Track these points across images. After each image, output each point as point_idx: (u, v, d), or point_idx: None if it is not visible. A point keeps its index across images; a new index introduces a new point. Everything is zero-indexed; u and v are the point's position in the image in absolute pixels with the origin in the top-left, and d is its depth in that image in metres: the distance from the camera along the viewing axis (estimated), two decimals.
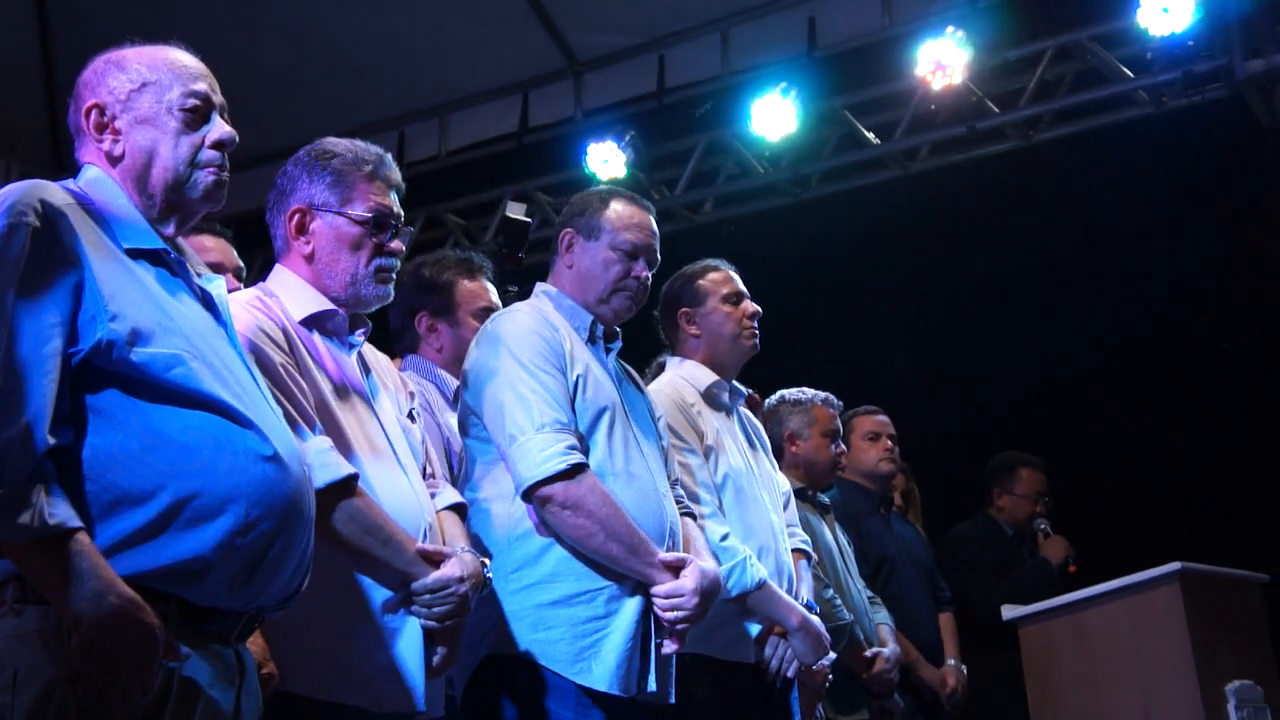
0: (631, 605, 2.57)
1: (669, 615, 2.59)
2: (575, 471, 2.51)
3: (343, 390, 2.30)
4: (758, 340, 3.34)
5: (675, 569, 2.61)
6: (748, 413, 3.50)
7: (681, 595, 2.59)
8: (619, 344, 2.85)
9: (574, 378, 2.63)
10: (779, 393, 4.23)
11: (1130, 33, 5.60)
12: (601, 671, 2.50)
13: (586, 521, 2.50)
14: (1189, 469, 5.80)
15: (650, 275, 2.84)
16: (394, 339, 3.23)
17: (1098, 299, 6.16)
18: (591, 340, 2.77)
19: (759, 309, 3.35)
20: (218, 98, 2.02)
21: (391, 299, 2.43)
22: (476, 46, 6.13)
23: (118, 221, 1.90)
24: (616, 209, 2.82)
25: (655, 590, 2.58)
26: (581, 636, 2.51)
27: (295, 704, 2.09)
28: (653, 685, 2.58)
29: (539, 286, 2.89)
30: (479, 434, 2.64)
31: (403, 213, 2.43)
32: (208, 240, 2.81)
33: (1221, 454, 5.71)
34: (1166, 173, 5.84)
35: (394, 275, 2.41)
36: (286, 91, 6.02)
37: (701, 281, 3.35)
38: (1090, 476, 5.90)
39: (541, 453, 2.50)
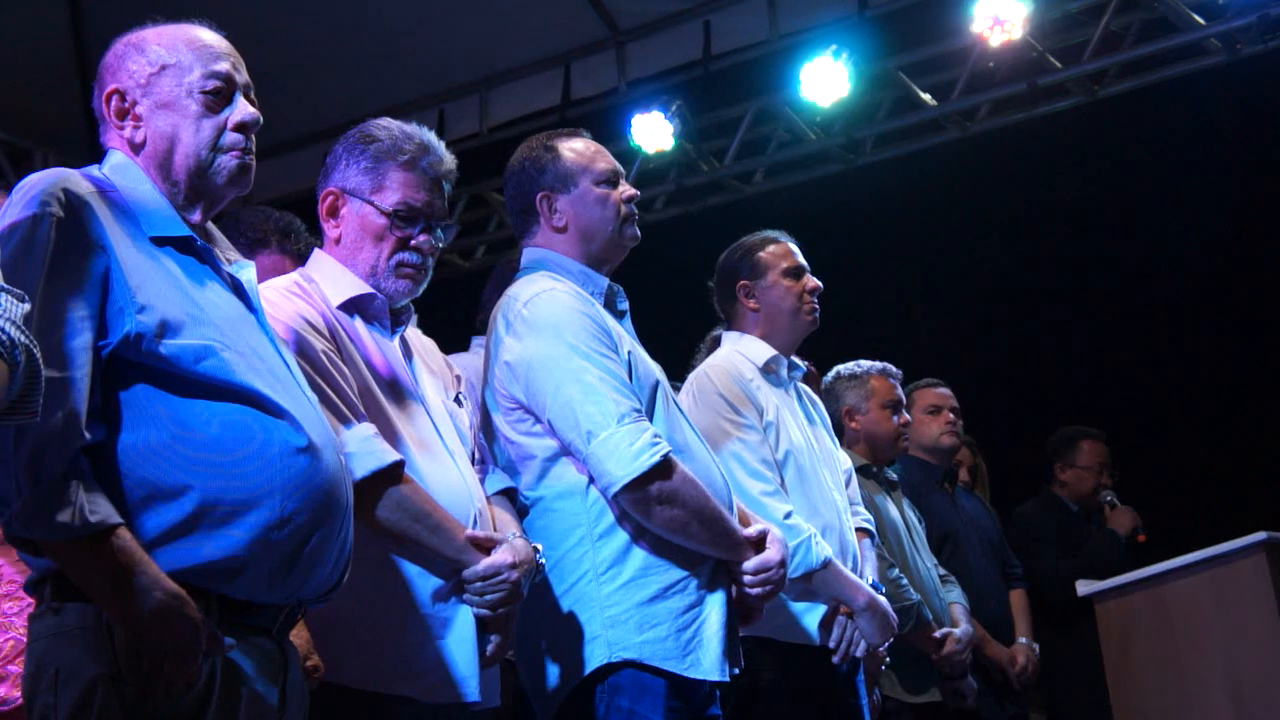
0: (718, 585, 2.48)
1: (758, 590, 2.51)
2: (667, 463, 2.38)
3: (386, 376, 2.25)
4: (818, 316, 3.27)
5: (757, 544, 2.53)
6: (806, 388, 3.42)
7: (769, 569, 2.51)
8: (626, 303, 2.68)
9: (624, 355, 2.50)
10: (834, 369, 4.15)
11: None
12: (709, 661, 2.41)
13: (681, 512, 2.39)
14: (1266, 435, 5.62)
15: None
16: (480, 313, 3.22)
17: (1170, 259, 5.96)
18: (608, 305, 2.61)
19: (820, 284, 3.27)
20: (241, 77, 1.96)
21: (418, 295, 2.34)
22: (516, 19, 6.02)
23: (142, 209, 1.87)
24: (570, 148, 2.65)
25: (745, 567, 2.50)
26: (684, 629, 2.40)
27: (346, 696, 2.06)
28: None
29: (530, 253, 2.65)
30: (530, 430, 2.46)
31: (445, 205, 2.32)
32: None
33: None
34: (1242, 124, 5.62)
35: (422, 271, 2.30)
36: (324, 72, 5.97)
37: (762, 254, 3.28)
38: (1163, 446, 5.74)
39: (630, 448, 2.34)
